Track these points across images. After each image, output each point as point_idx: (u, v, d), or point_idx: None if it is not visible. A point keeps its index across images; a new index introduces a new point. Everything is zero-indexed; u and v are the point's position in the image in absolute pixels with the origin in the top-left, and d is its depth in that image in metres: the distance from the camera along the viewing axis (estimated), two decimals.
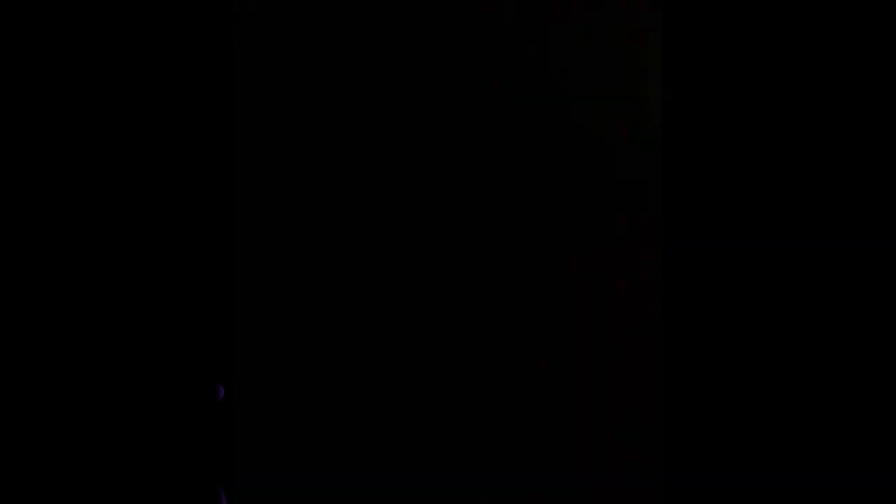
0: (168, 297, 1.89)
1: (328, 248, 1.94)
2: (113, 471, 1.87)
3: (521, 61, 1.95)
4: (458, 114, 1.94)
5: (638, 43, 1.95)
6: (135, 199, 1.90)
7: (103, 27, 1.90)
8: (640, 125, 1.94)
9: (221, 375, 1.90)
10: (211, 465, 1.88)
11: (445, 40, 1.95)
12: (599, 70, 1.95)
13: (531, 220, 1.94)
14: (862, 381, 1.89)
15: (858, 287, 1.88)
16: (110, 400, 1.87)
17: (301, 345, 1.93)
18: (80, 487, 1.86)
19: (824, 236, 1.91)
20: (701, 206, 1.93)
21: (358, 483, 1.92)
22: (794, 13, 1.91)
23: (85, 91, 1.90)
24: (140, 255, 1.89)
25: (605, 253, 1.93)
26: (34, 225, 1.89)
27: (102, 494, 1.86)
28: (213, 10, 1.91)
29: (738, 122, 1.93)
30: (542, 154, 1.95)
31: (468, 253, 1.94)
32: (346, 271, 1.94)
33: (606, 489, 1.91)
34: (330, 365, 1.93)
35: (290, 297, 1.93)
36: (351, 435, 1.93)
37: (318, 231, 1.94)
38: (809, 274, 1.91)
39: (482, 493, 1.92)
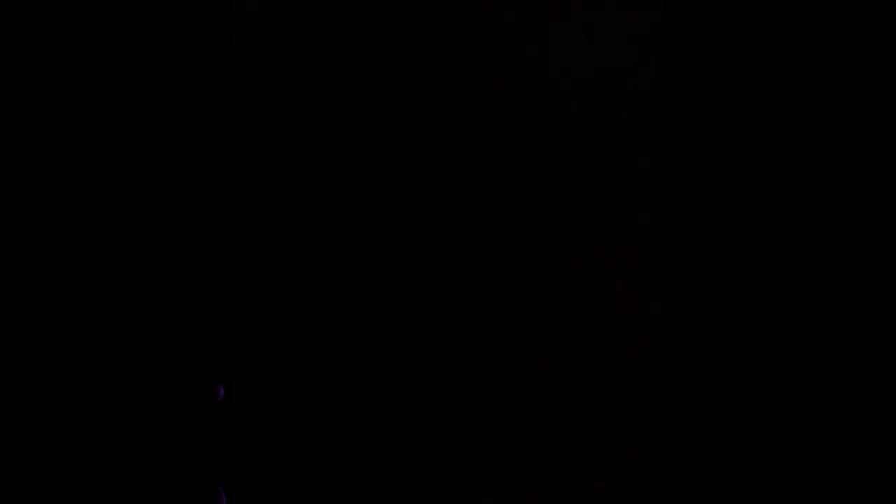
0: (168, 297, 1.89)
1: (328, 248, 1.94)
2: (113, 470, 1.87)
3: (521, 61, 1.95)
4: (459, 114, 1.94)
5: (638, 43, 1.95)
6: (135, 199, 1.90)
7: (104, 27, 1.90)
8: (640, 125, 1.94)
9: (221, 375, 1.90)
10: (211, 465, 1.88)
11: (445, 40, 1.95)
12: (599, 70, 1.95)
13: (531, 220, 1.94)
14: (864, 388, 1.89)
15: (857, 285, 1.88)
16: (111, 400, 1.87)
17: (300, 345, 1.93)
18: (81, 487, 1.86)
19: (824, 236, 1.91)
20: (701, 205, 1.93)
21: (358, 483, 1.92)
22: (793, 13, 1.91)
23: (85, 91, 1.90)
24: (140, 255, 1.89)
25: (605, 253, 1.93)
26: (34, 225, 1.89)
27: (103, 494, 1.86)
28: (213, 10, 1.91)
29: (738, 123, 1.92)
30: (541, 154, 1.94)
31: (468, 253, 1.94)
32: (346, 271, 1.94)
33: (606, 489, 1.91)
34: (329, 365, 1.93)
35: (289, 297, 1.93)
36: (351, 435, 1.93)
37: (318, 231, 1.94)
38: (808, 274, 1.91)
39: (482, 493, 1.92)
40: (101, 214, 1.89)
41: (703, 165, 1.93)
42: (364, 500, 1.92)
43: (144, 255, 1.89)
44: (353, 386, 1.93)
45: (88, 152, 1.89)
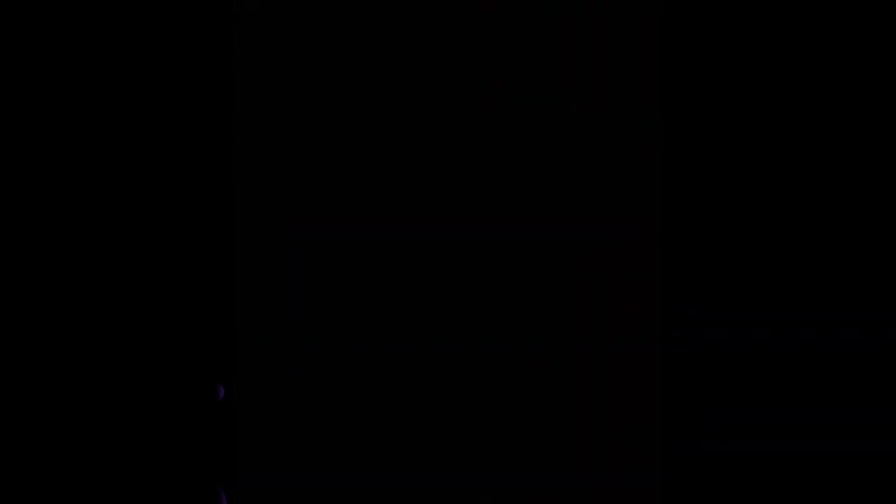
0: (168, 298, 1.89)
1: (327, 248, 1.94)
2: (114, 470, 1.87)
3: (521, 61, 1.95)
4: (459, 113, 1.94)
5: (638, 42, 1.95)
6: (135, 199, 1.90)
7: (104, 27, 1.90)
8: (641, 125, 1.94)
9: (221, 375, 1.90)
10: (211, 465, 1.88)
11: (446, 40, 1.95)
12: (599, 70, 1.95)
13: (531, 219, 1.94)
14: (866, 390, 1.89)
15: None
16: (111, 400, 1.87)
17: (300, 345, 1.93)
18: (82, 487, 1.86)
19: (824, 236, 1.91)
20: (701, 205, 1.93)
21: (358, 483, 1.92)
22: (793, 14, 1.91)
23: (85, 90, 1.90)
24: (140, 256, 1.89)
25: (605, 253, 1.93)
26: (34, 225, 1.88)
27: (104, 494, 1.86)
28: (213, 10, 1.91)
29: (738, 122, 1.92)
30: (541, 154, 1.95)
31: (468, 253, 1.94)
32: (346, 271, 1.94)
33: (606, 489, 1.92)
34: (329, 365, 1.93)
35: (289, 297, 1.93)
36: (350, 435, 1.93)
37: (318, 231, 1.94)
38: (808, 274, 1.91)
39: (482, 493, 1.92)
40: (100, 214, 1.89)
41: (704, 165, 1.93)
42: (364, 500, 1.92)
43: (144, 255, 1.89)
44: (352, 386, 1.93)
45: (88, 152, 1.89)
